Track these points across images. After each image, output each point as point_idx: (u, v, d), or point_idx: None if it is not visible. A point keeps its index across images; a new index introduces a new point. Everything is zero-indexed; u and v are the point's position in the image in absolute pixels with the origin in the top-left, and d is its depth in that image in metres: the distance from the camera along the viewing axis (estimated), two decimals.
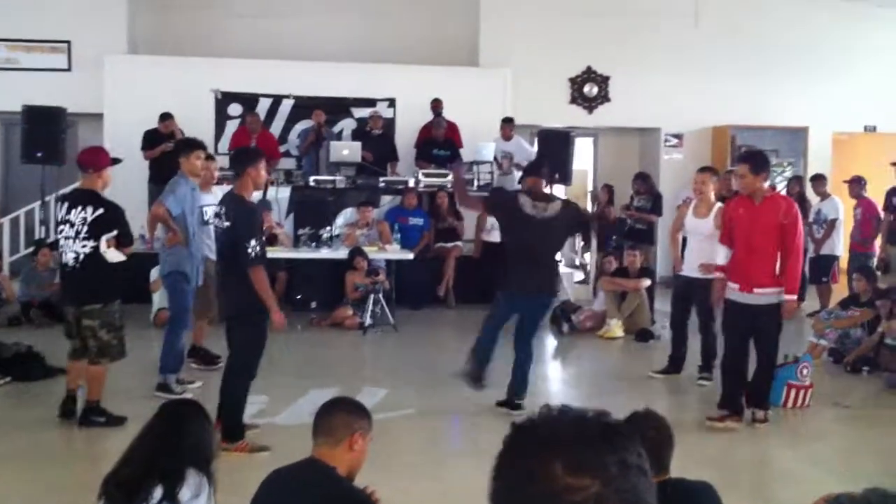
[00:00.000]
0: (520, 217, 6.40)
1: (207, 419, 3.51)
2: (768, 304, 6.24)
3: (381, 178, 11.69)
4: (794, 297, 6.36)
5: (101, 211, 6.04)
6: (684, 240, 7.87)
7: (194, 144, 7.38)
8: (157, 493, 3.15)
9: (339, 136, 12.59)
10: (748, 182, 6.23)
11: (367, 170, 11.81)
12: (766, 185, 6.43)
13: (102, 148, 6.43)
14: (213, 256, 8.12)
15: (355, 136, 12.63)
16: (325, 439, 3.13)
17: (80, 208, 6.06)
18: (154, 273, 9.48)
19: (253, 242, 5.50)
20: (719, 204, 7.57)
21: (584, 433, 1.26)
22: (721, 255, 6.57)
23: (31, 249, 11.14)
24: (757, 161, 6.35)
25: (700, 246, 7.48)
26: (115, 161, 6.33)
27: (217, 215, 5.81)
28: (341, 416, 3.18)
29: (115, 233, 6.01)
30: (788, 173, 13.72)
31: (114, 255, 6.03)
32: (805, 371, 6.88)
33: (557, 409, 1.32)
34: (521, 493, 1.22)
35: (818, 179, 11.56)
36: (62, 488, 5.18)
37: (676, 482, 3.14)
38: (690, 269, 7.56)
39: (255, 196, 6.14)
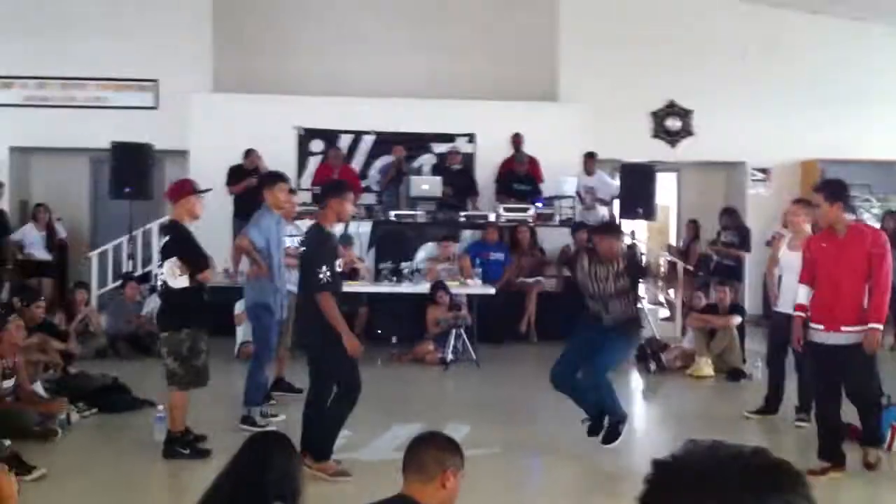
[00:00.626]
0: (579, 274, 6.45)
1: (294, 452, 3.41)
2: (858, 344, 5.79)
3: (462, 213, 11.62)
4: (879, 325, 5.80)
5: (167, 238, 6.17)
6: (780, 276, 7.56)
7: (278, 177, 7.44)
8: None
9: (419, 171, 12.58)
10: (824, 212, 5.90)
11: (448, 205, 11.76)
12: (850, 216, 6.07)
13: (187, 180, 6.47)
14: (293, 289, 8.17)
15: (435, 171, 12.61)
16: (417, 476, 3.01)
17: (161, 238, 6.24)
18: (238, 306, 9.54)
19: (323, 268, 5.49)
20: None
21: (744, 473, 1.10)
22: (802, 294, 6.19)
23: (118, 283, 11.33)
24: (832, 189, 5.95)
25: (795, 280, 7.18)
26: (198, 191, 6.38)
27: (301, 244, 5.84)
28: (433, 452, 3.06)
29: (173, 259, 6.04)
30: (877, 209, 13.27)
31: (175, 281, 6.05)
32: None
33: (707, 445, 1.17)
34: None
35: None
36: None
37: None
38: (787, 306, 7.23)
39: (338, 228, 6.15)
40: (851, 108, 13.48)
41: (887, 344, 11.05)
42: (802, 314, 6.17)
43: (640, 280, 6.71)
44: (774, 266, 7.57)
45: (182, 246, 6.14)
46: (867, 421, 6.07)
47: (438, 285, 9.81)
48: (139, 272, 11.61)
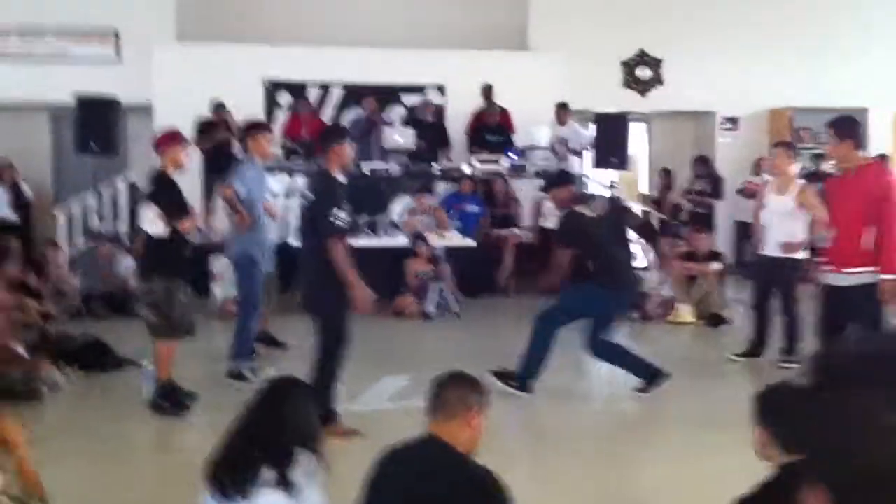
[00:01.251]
0: (588, 222, 6.34)
1: (313, 397, 3.33)
2: (859, 286, 5.75)
3: (436, 166, 11.50)
4: (889, 276, 5.66)
5: (152, 187, 6.06)
6: None
7: (262, 126, 7.29)
8: (267, 474, 2.98)
9: (389, 123, 12.40)
10: (832, 149, 5.88)
11: (420, 157, 11.63)
12: (861, 153, 5.95)
13: (173, 130, 6.28)
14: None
15: (406, 122, 12.45)
16: (442, 416, 2.98)
17: (148, 186, 6.16)
18: (217, 264, 9.39)
19: (335, 211, 5.32)
20: (801, 181, 7.33)
21: None
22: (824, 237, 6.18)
23: (87, 241, 11.10)
24: (841, 125, 5.82)
25: (782, 224, 7.24)
26: (182, 141, 6.23)
27: (302, 194, 5.67)
28: (458, 391, 3.03)
29: (152, 205, 5.94)
30: None
31: (152, 228, 5.93)
32: None
33: (866, 339, 1.11)
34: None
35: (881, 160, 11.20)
36: (138, 479, 5.10)
37: None
38: (772, 249, 7.30)
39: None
40: (820, 57, 13.53)
41: None
42: (819, 258, 6.17)
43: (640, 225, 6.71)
44: (761, 210, 7.59)
45: (163, 194, 6.00)
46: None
47: (419, 237, 9.73)
48: (109, 230, 11.37)
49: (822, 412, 1.04)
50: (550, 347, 6.41)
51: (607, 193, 6.45)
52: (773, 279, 7.42)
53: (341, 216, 5.35)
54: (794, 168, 7.44)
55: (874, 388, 1.02)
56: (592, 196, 6.50)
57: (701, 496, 4.67)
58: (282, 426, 3.08)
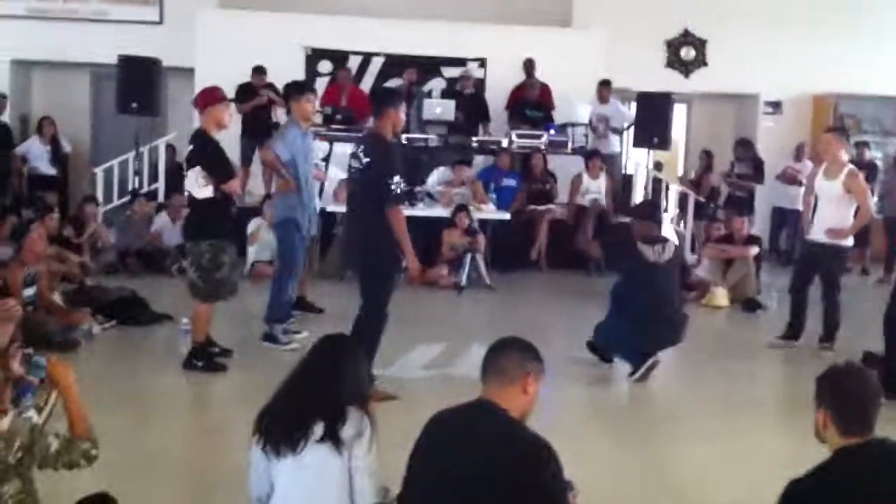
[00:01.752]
0: (644, 265, 6.25)
1: (363, 355, 3.33)
2: None
3: (475, 138, 11.44)
4: None
5: (192, 147, 6.04)
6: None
7: (306, 87, 7.21)
8: (318, 430, 2.98)
9: (429, 95, 12.35)
10: None
11: (460, 129, 11.58)
12: None
13: (216, 87, 6.25)
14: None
15: (445, 95, 12.39)
16: (498, 380, 2.93)
17: (189, 146, 6.14)
18: (252, 225, 9.43)
19: (396, 179, 5.24)
20: (850, 166, 7.22)
21: None
22: None
23: (125, 200, 11.17)
24: None
25: (829, 209, 7.14)
26: (227, 99, 6.22)
27: (353, 155, 5.57)
28: (515, 356, 2.97)
29: (196, 168, 5.90)
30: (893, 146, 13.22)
31: (198, 191, 5.91)
32: None
33: None
34: None
35: None
36: (169, 431, 5.13)
37: (881, 441, 2.86)
38: (818, 233, 7.20)
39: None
40: (865, 43, 13.25)
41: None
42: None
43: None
44: (810, 195, 7.49)
45: (207, 155, 5.99)
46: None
47: (461, 207, 9.68)
48: (146, 189, 11.44)
49: None
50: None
51: (676, 241, 6.37)
52: (816, 264, 7.33)
53: (400, 182, 5.28)
54: (845, 154, 7.31)
55: None
56: (665, 240, 6.37)
57: (741, 477, 4.64)
58: (336, 382, 3.08)
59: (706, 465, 4.84)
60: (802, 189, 9.27)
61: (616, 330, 6.37)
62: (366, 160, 5.40)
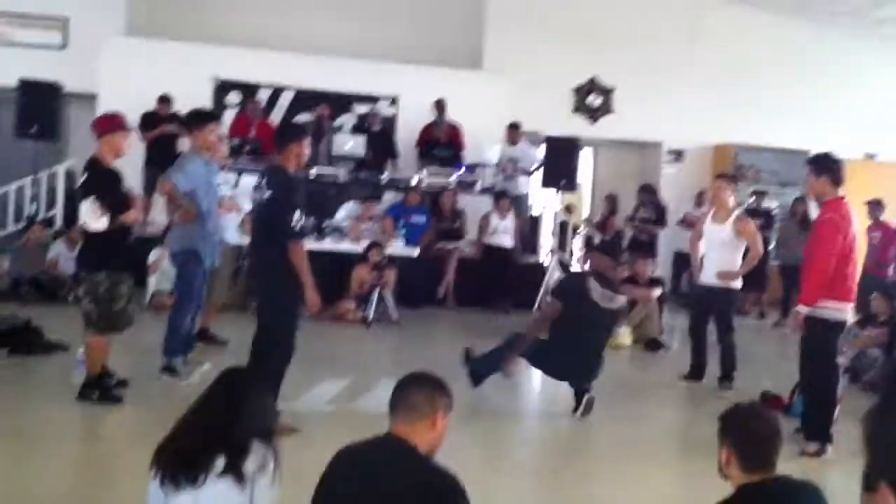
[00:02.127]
0: (587, 303, 6.29)
1: (269, 389, 3.24)
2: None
3: (384, 175, 11.45)
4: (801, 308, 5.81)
5: (86, 175, 5.83)
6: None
7: (209, 116, 7.03)
8: (219, 463, 2.87)
9: (339, 131, 12.33)
10: (810, 184, 5.92)
11: (368, 165, 11.58)
12: (840, 191, 5.83)
13: (118, 114, 6.08)
14: (227, 238, 7.83)
15: (355, 131, 12.40)
16: (407, 415, 2.88)
17: (82, 175, 5.94)
18: (153, 255, 9.20)
19: (296, 215, 5.24)
20: (738, 211, 7.51)
21: None
22: None
23: (21, 226, 10.79)
24: (818, 161, 5.89)
25: (719, 253, 7.38)
26: (128, 127, 6.05)
27: (256, 188, 5.51)
28: (425, 391, 2.93)
29: (90, 198, 5.71)
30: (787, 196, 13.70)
31: (93, 223, 5.73)
32: None
33: None
34: None
35: None
36: (61, 464, 4.95)
37: (784, 480, 2.92)
38: (709, 277, 7.44)
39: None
40: (765, 98, 13.82)
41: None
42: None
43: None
44: (698, 240, 7.71)
45: (102, 185, 5.80)
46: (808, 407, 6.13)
47: (374, 244, 9.63)
48: (42, 216, 11.08)
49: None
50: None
51: (620, 301, 6.45)
52: (709, 307, 7.54)
53: (301, 217, 5.29)
54: (732, 200, 7.57)
55: None
56: (612, 285, 6.42)
57: None
58: (239, 416, 2.98)
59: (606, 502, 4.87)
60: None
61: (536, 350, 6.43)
62: (268, 193, 5.40)
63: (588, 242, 12.01)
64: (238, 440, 2.92)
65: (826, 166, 5.85)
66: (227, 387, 3.09)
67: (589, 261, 6.55)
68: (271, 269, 5.40)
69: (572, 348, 6.32)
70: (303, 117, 12.32)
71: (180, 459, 2.91)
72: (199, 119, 6.96)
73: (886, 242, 10.77)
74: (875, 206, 10.95)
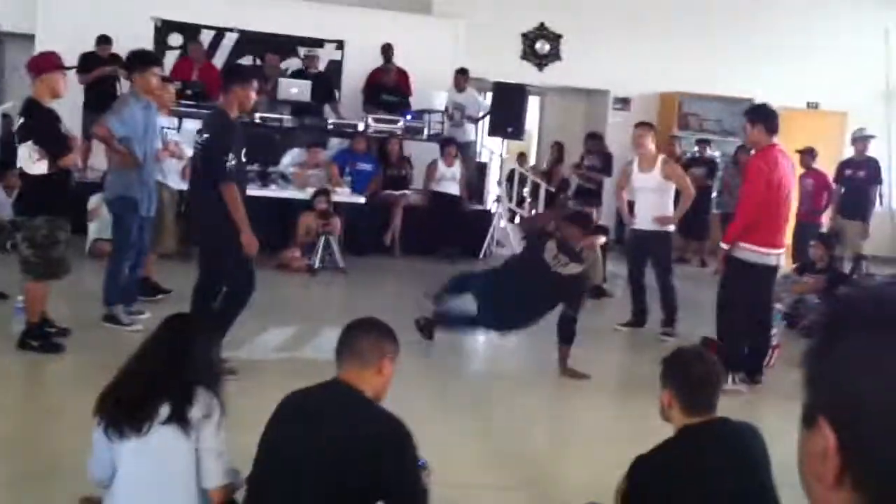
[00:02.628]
0: (537, 259, 6.21)
1: (214, 335, 3.22)
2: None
3: (330, 121, 11.31)
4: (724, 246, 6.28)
5: (23, 119, 5.71)
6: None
7: (151, 59, 6.86)
8: (164, 411, 2.86)
9: (283, 75, 12.12)
10: (748, 135, 6.19)
11: (314, 110, 11.42)
12: (775, 139, 6.12)
13: (52, 53, 5.91)
14: (170, 183, 7.69)
15: (296, 75, 12.19)
16: (354, 361, 2.90)
17: (18, 118, 5.81)
18: (92, 201, 9.02)
19: (230, 157, 5.20)
20: (663, 156, 7.64)
21: None
22: None
23: None
24: (754, 112, 6.24)
25: (650, 199, 7.54)
26: (63, 67, 5.90)
27: (198, 131, 5.45)
28: (372, 337, 2.95)
29: (29, 142, 5.59)
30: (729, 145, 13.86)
31: (31, 166, 5.61)
32: (774, 332, 6.88)
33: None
34: None
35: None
36: (3, 415, 4.87)
37: (724, 421, 2.99)
38: (644, 223, 7.60)
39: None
40: (710, 47, 13.83)
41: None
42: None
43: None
44: (623, 189, 7.87)
45: (41, 128, 5.67)
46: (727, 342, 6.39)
47: (322, 191, 9.53)
48: None
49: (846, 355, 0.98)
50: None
51: (573, 269, 6.29)
52: (646, 252, 7.68)
53: (233, 162, 5.26)
54: (653, 146, 7.67)
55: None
56: (573, 253, 6.28)
57: (586, 457, 4.77)
58: (183, 362, 2.97)
59: (551, 444, 4.96)
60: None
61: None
62: (205, 136, 5.41)
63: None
64: (182, 387, 2.92)
65: (761, 116, 6.12)
66: (171, 333, 3.07)
67: (559, 228, 6.47)
68: (209, 212, 5.38)
69: (511, 300, 6.25)
70: (245, 61, 12.09)
71: (124, 407, 2.90)
72: (140, 61, 6.76)
73: (819, 189, 10.97)
74: (807, 154, 11.13)
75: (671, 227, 7.68)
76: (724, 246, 6.20)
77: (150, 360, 3.00)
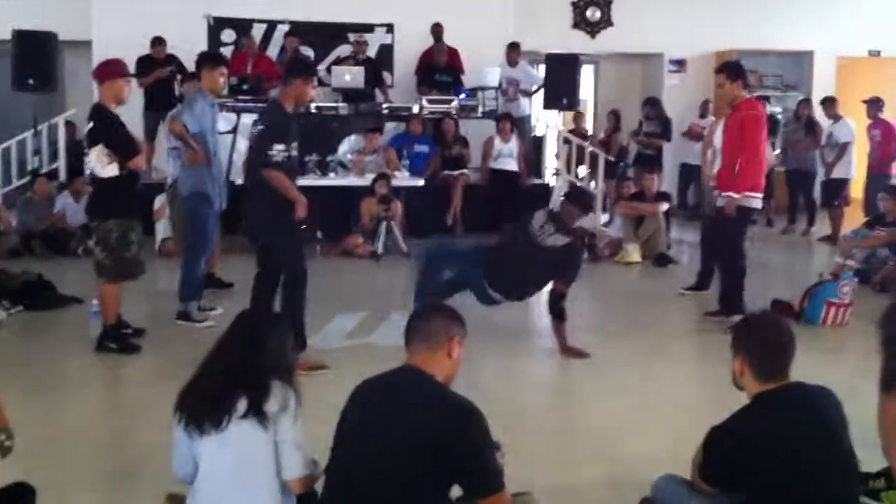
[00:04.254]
0: (523, 229, 6.10)
1: (286, 327, 3.27)
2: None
3: (385, 105, 11.34)
4: (732, 194, 6.57)
5: (92, 124, 5.82)
6: None
7: (218, 59, 7.05)
8: (242, 405, 2.92)
9: (315, 62, 12.13)
10: (726, 90, 6.64)
11: (367, 96, 11.47)
12: (746, 93, 6.69)
13: (117, 60, 6.04)
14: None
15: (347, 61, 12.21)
16: (423, 345, 2.93)
17: (87, 124, 5.95)
18: (158, 201, 9.21)
19: (280, 147, 5.29)
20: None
21: None
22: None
23: (25, 180, 10.78)
24: (731, 67, 6.70)
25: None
26: (127, 74, 6.04)
27: (254, 123, 5.55)
28: (440, 321, 2.97)
29: (99, 146, 5.71)
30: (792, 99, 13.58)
31: (102, 170, 5.74)
32: (846, 289, 6.76)
33: None
34: None
35: (829, 102, 11.35)
36: (86, 412, 5.01)
37: (799, 386, 2.96)
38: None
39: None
40: (765, 1, 13.56)
41: (798, 230, 11.45)
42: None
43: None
44: (708, 148, 7.68)
45: (109, 131, 5.80)
46: (725, 286, 6.89)
47: (381, 176, 9.58)
48: (46, 168, 11.05)
49: None
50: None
51: (558, 241, 6.13)
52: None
53: (284, 153, 5.34)
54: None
55: None
56: (565, 228, 6.08)
57: (661, 427, 4.75)
58: (257, 357, 3.02)
59: (626, 416, 4.93)
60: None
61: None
62: (259, 127, 5.55)
63: (593, 161, 11.94)
64: (258, 381, 2.97)
65: (739, 71, 6.66)
66: (244, 329, 3.12)
67: (562, 209, 6.33)
68: (265, 200, 5.48)
69: (501, 269, 6.13)
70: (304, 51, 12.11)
71: (203, 403, 2.96)
72: (210, 60, 6.99)
73: (887, 139, 10.67)
74: (874, 103, 10.83)
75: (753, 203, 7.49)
76: (735, 195, 6.55)
77: (226, 356, 3.06)
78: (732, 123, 6.63)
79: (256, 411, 2.91)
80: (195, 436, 2.94)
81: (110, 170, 5.75)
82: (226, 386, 2.96)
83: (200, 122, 6.60)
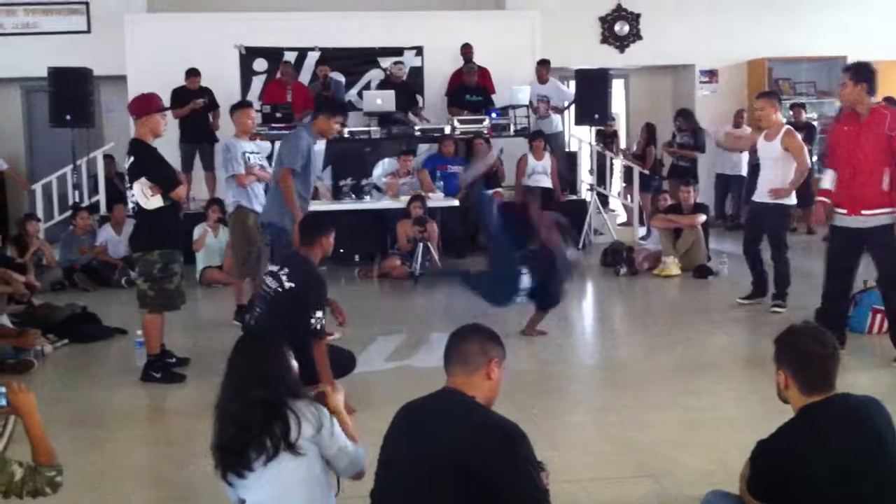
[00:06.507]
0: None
1: (280, 345, 3.18)
2: (879, 227, 5.82)
3: (417, 127, 11.39)
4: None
5: (132, 158, 5.91)
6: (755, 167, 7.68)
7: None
8: (268, 444, 2.90)
9: (346, 86, 12.28)
10: (848, 91, 5.81)
11: (399, 119, 11.53)
12: (873, 99, 5.86)
13: (153, 95, 6.13)
14: (256, 208, 7.75)
15: (381, 85, 12.32)
16: (462, 368, 2.91)
17: (127, 158, 6.03)
18: (197, 231, 9.31)
19: (319, 314, 5.08)
20: (786, 126, 7.42)
21: None
22: (827, 180, 6.14)
23: (67, 214, 10.95)
24: (857, 70, 5.82)
25: (771, 170, 7.38)
26: (163, 108, 6.12)
27: (272, 275, 5.25)
28: (477, 343, 2.96)
29: (143, 179, 5.80)
30: (827, 107, 13.45)
31: (147, 202, 5.82)
32: None
33: None
34: None
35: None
36: (133, 445, 5.05)
37: (845, 398, 2.91)
38: (761, 195, 7.40)
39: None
40: (795, 7, 13.47)
41: None
42: (826, 199, 6.18)
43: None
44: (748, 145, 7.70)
45: (150, 165, 5.90)
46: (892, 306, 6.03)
47: (416, 198, 9.62)
48: (86, 202, 11.23)
49: None
50: None
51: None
52: (762, 224, 7.50)
53: (322, 320, 5.11)
54: (779, 115, 7.49)
55: None
56: (528, 227, 6.51)
57: (705, 441, 4.69)
58: (266, 392, 2.94)
59: (671, 430, 4.88)
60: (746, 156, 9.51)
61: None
62: (288, 285, 5.15)
63: (627, 174, 11.91)
64: (273, 415, 2.91)
65: (865, 74, 5.79)
66: (244, 363, 3.04)
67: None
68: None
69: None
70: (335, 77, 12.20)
71: (228, 456, 2.94)
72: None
73: None
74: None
75: (788, 200, 7.43)
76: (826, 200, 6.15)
77: (234, 397, 2.99)
78: (872, 132, 5.78)
79: (287, 445, 2.89)
80: (238, 483, 2.95)
81: (154, 202, 5.85)
82: (243, 434, 2.91)
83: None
